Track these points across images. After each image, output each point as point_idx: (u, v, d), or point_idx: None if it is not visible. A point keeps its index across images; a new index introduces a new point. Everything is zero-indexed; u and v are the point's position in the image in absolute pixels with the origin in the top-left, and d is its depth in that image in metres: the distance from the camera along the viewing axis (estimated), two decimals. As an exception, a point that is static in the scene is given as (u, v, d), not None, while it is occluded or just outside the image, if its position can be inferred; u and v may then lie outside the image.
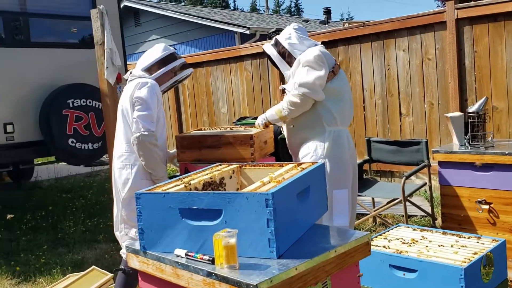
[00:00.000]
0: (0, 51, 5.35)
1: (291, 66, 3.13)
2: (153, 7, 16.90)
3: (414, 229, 3.09)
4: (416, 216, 4.84)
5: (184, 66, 3.16)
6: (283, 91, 3.24)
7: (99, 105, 5.40)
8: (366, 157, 4.77)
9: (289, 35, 3.15)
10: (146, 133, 2.82)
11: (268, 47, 3.23)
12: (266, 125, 3.28)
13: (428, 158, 4.27)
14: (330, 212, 2.93)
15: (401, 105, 5.89)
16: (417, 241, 2.84)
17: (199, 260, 1.71)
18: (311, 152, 3.04)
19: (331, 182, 2.91)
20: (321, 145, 3.02)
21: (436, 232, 3.03)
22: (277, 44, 3.18)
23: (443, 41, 5.45)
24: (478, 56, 5.23)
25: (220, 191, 2.14)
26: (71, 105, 5.44)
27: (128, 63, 6.94)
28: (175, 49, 3.31)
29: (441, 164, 3.77)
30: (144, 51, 3.22)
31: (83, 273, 3.53)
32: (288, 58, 3.13)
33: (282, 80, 6.83)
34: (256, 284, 1.51)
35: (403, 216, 4.26)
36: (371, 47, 6.05)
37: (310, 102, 3.02)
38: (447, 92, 5.46)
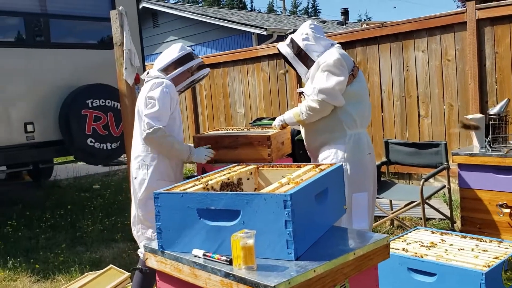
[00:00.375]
0: (21, 51, 5.45)
1: (306, 66, 3.05)
2: (171, 8, 17.01)
3: (433, 232, 3.05)
4: (434, 219, 4.78)
5: (201, 66, 3.14)
6: (301, 94, 3.19)
7: (117, 105, 5.45)
8: (384, 159, 4.72)
9: (306, 35, 3.04)
10: (150, 130, 2.84)
11: (283, 46, 3.13)
12: (283, 126, 3.24)
13: (447, 161, 4.22)
14: (349, 216, 2.90)
15: (419, 107, 5.82)
16: (436, 244, 2.80)
17: (217, 260, 1.71)
18: (332, 155, 2.98)
19: (351, 185, 2.88)
20: (341, 149, 2.96)
21: (456, 235, 2.98)
22: (292, 44, 3.08)
23: (463, 42, 5.37)
24: (499, 57, 5.14)
25: (238, 192, 2.13)
26: (90, 105, 5.51)
27: (146, 64, 7.00)
28: (193, 49, 3.30)
29: (461, 166, 3.72)
30: (162, 52, 3.23)
31: (100, 271, 3.56)
32: (304, 58, 3.05)
33: (299, 81, 6.81)
34: (274, 286, 1.50)
35: (421, 219, 4.21)
36: (390, 48, 6.00)
37: (329, 108, 2.95)
38: (467, 94, 5.39)
